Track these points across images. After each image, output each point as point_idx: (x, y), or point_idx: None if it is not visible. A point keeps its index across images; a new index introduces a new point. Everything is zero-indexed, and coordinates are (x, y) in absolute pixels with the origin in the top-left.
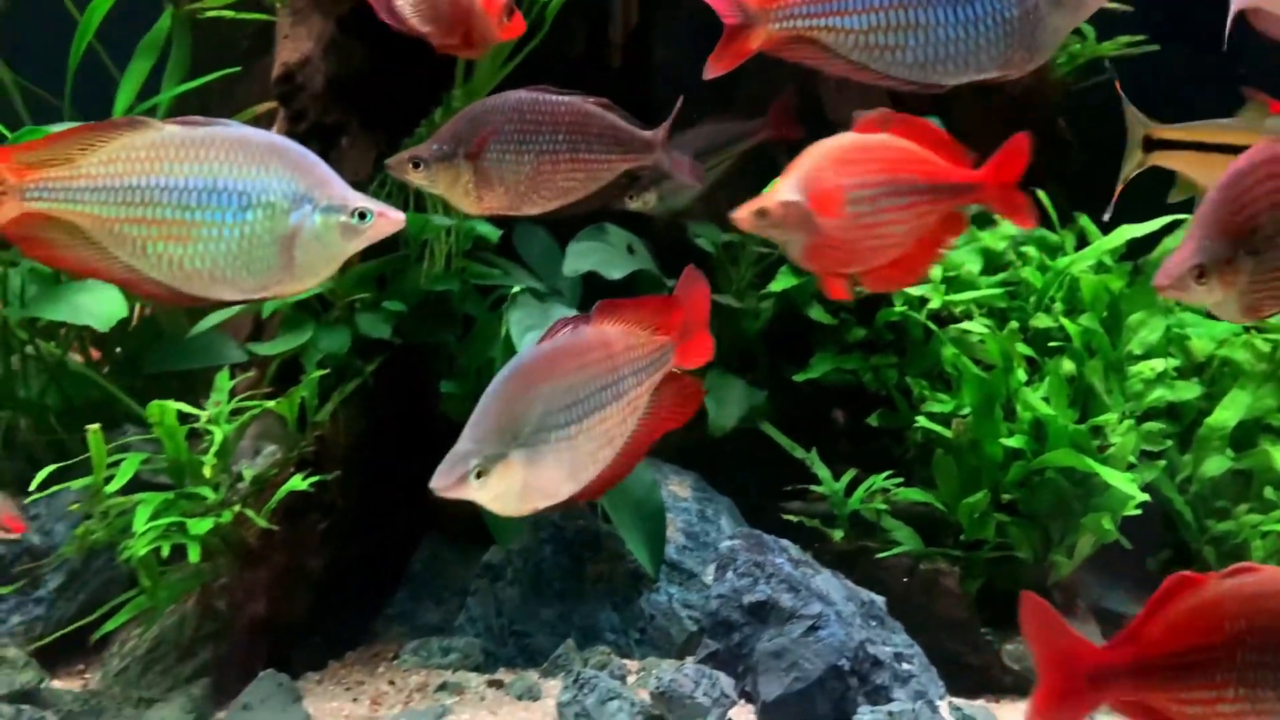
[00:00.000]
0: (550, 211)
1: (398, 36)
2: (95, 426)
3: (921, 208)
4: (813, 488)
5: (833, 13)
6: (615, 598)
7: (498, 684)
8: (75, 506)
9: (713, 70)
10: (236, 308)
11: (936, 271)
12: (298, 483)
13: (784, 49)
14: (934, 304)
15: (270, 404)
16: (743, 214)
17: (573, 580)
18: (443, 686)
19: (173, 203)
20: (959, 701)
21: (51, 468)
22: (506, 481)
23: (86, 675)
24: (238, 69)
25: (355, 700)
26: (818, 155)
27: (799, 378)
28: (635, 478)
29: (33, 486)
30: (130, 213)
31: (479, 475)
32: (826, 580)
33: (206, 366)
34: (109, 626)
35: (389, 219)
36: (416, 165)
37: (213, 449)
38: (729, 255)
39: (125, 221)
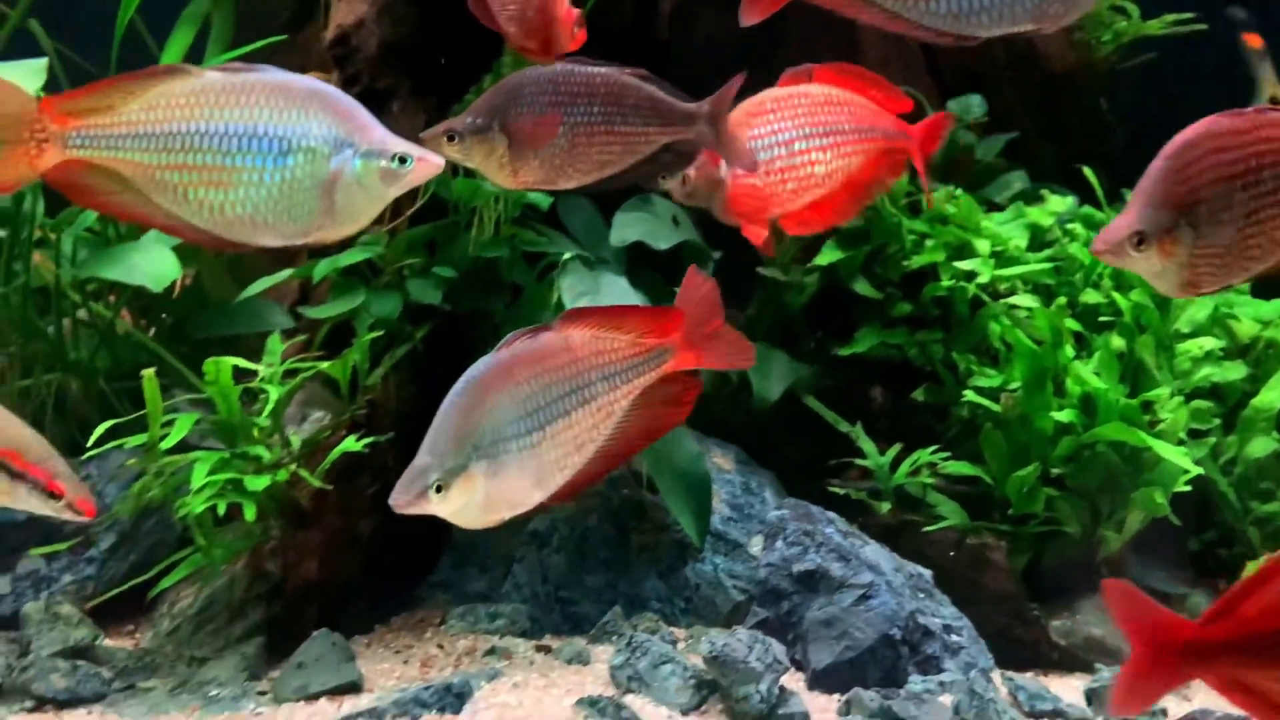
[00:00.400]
0: (589, 185)
1: (450, 3)
2: (150, 371)
3: (845, 148)
4: (856, 461)
5: None
6: (660, 567)
7: (546, 649)
8: (132, 463)
9: (748, 16)
10: (284, 274)
11: (984, 246)
12: (351, 444)
13: None
14: (982, 279)
15: (324, 365)
16: (672, 187)
17: (618, 549)
18: (491, 651)
19: (213, 148)
20: (1009, 674)
21: (107, 424)
22: (468, 494)
23: (137, 635)
24: (282, 37)
25: (405, 662)
26: (731, 115)
27: (843, 352)
28: (681, 448)
29: (90, 443)
30: (171, 159)
31: (439, 489)
32: (876, 551)
33: (253, 333)
34: (165, 584)
35: (429, 163)
36: (451, 138)
37: (266, 409)
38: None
39: (166, 168)
